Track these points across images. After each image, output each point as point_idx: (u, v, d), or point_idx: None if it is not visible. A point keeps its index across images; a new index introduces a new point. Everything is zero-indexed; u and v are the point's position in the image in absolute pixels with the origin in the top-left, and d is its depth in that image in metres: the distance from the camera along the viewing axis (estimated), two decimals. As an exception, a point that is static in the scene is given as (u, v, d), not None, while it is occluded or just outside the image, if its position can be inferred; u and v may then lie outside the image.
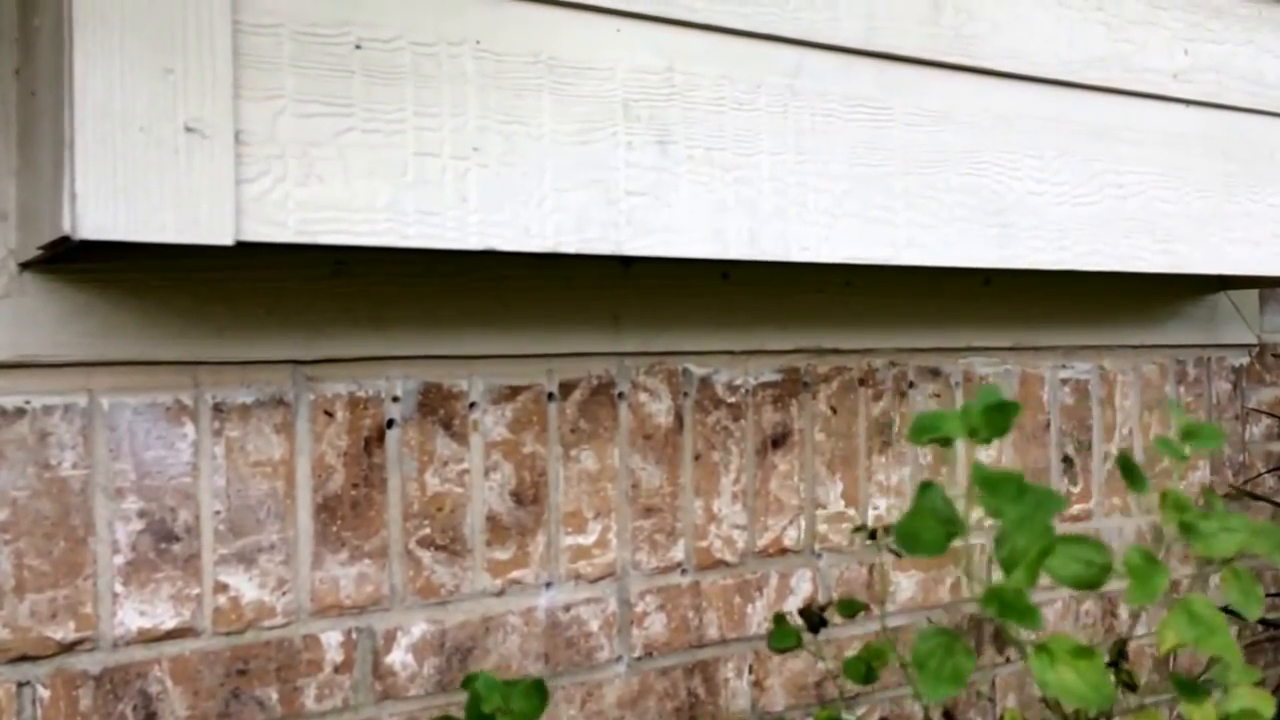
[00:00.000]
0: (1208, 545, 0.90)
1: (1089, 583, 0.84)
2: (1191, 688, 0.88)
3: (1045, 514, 0.85)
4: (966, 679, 0.83)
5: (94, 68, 0.93)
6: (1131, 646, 0.99)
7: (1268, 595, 2.15)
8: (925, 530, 0.87)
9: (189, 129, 0.96)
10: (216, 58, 0.97)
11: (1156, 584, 0.84)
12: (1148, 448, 1.99)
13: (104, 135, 0.93)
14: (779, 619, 1.09)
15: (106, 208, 0.93)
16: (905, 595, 1.71)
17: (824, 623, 1.13)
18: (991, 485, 0.87)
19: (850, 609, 1.07)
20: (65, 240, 0.95)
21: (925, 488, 0.89)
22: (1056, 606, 1.87)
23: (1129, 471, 0.95)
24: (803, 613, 1.11)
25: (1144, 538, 1.98)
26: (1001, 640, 0.90)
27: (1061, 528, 1.89)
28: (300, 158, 1.03)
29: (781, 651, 1.09)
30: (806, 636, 1.11)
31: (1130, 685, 0.88)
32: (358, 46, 1.07)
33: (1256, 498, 2.12)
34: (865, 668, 1.06)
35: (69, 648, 1.15)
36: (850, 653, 1.25)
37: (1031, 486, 0.87)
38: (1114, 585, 1.96)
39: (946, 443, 0.91)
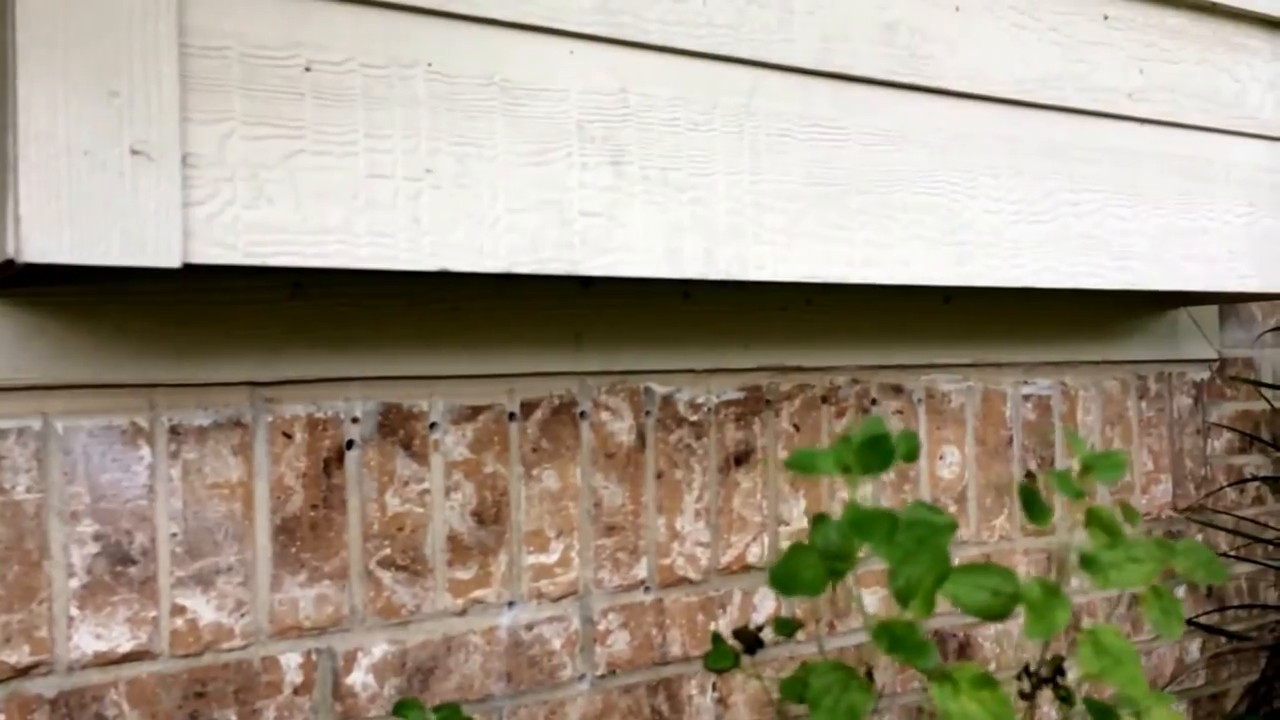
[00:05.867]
0: (1108, 579, 0.87)
1: (996, 612, 0.82)
2: (1106, 712, 0.86)
3: (937, 542, 0.82)
4: (862, 716, 0.82)
5: (37, 91, 0.93)
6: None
7: (1235, 607, 2.17)
8: (805, 568, 0.84)
9: (135, 152, 0.96)
10: (163, 80, 0.98)
11: (1056, 617, 0.82)
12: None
13: (48, 158, 0.93)
14: (716, 639, 1.09)
15: (51, 231, 0.93)
16: (870, 612, 1.71)
17: (760, 644, 1.12)
18: (864, 525, 0.84)
19: (787, 628, 1.07)
20: (12, 264, 0.95)
21: (819, 520, 0.87)
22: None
23: (1030, 503, 0.92)
24: (738, 633, 1.11)
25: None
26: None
27: (1024, 543, 1.91)
28: (249, 180, 1.03)
29: (718, 672, 1.08)
30: (745, 658, 1.11)
31: (1067, 700, 0.88)
32: (308, 69, 1.07)
33: (1216, 511, 2.13)
34: (802, 687, 1.06)
35: (23, 672, 1.15)
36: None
37: (915, 519, 0.85)
38: (1078, 599, 1.97)
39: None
